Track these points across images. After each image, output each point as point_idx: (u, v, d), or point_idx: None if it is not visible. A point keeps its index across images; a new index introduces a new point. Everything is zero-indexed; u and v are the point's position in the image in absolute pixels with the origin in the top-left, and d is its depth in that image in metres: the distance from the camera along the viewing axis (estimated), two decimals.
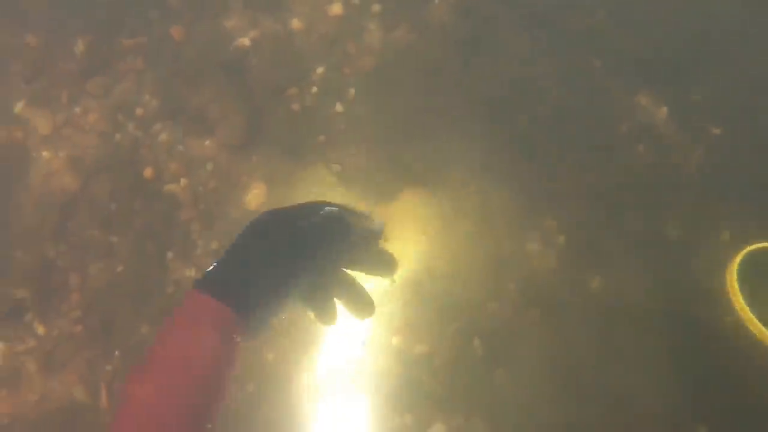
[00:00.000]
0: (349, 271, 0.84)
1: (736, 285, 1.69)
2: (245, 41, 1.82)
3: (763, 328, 1.65)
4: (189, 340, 0.80)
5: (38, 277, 1.63)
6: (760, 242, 1.74)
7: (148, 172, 1.74)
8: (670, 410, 1.63)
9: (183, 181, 1.74)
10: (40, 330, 1.60)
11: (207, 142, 1.77)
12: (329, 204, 0.85)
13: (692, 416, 1.61)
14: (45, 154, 1.75)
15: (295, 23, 1.86)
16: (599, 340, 1.68)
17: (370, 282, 0.77)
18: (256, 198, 1.71)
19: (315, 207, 0.88)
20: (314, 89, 1.80)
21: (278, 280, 0.80)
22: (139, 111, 1.78)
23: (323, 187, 1.72)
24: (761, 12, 2.05)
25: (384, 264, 0.86)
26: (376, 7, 1.89)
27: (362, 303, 0.85)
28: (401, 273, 1.70)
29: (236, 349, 0.81)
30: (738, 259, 1.72)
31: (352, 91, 1.80)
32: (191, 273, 1.65)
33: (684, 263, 1.76)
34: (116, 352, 1.58)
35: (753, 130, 1.94)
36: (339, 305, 0.79)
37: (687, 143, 1.91)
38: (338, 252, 0.83)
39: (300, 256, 0.81)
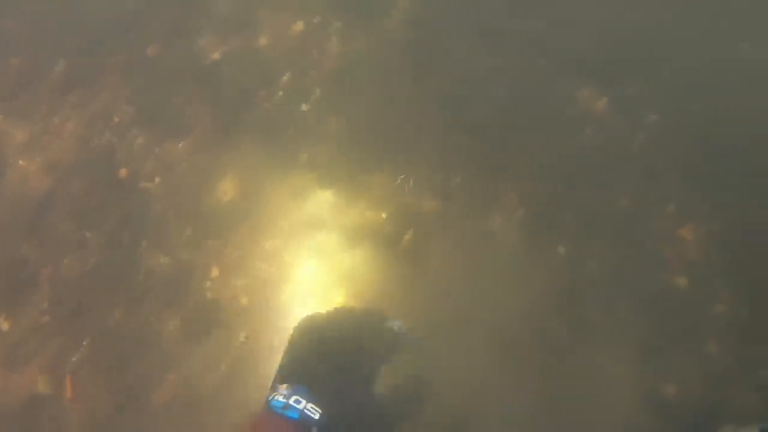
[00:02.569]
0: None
1: None
2: (216, 55, 1.98)
3: None
4: None
5: (8, 273, 1.64)
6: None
7: (123, 173, 1.81)
8: (634, 375, 1.65)
9: (157, 179, 1.81)
10: (5, 326, 1.59)
11: (181, 145, 1.87)
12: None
13: (655, 377, 1.64)
14: (21, 162, 1.82)
15: (262, 40, 2.04)
16: (564, 308, 1.73)
17: None
18: (228, 189, 1.79)
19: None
20: (281, 93, 1.95)
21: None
22: (116, 119, 1.88)
23: (292, 178, 1.81)
24: (684, 13, 2.32)
25: None
26: (337, 24, 2.09)
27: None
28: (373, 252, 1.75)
29: None
30: None
31: (318, 91, 1.95)
32: (165, 260, 1.68)
33: (635, 230, 1.86)
34: (84, 342, 1.56)
35: (686, 116, 2.12)
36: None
37: (628, 128, 2.08)
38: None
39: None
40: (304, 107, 1.93)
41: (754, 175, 1.99)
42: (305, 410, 0.94)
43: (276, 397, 0.95)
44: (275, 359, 1.59)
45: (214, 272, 1.68)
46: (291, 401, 0.90)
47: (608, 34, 2.23)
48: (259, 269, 1.69)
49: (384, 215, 1.79)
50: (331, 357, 1.07)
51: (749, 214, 1.94)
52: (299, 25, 2.07)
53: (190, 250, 1.70)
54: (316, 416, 0.90)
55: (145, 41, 1.98)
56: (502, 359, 1.66)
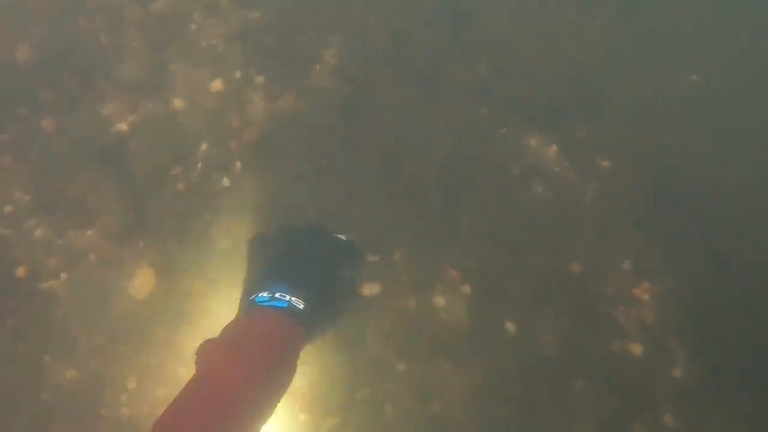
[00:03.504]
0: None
1: None
2: (123, 126, 1.78)
3: None
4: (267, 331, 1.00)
5: None
6: None
7: (21, 271, 1.61)
8: None
9: (63, 275, 1.63)
10: None
11: (89, 233, 1.68)
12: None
13: None
14: None
15: (177, 103, 1.84)
16: (517, 388, 1.63)
17: None
18: (143, 286, 1.61)
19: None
20: (199, 165, 1.76)
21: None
22: (8, 208, 1.67)
23: (211, 270, 1.65)
24: (630, 48, 2.20)
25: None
26: (259, 79, 1.90)
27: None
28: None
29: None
30: None
31: (238, 164, 1.77)
32: (72, 374, 1.51)
33: (589, 295, 1.76)
34: None
35: (637, 159, 2.02)
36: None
37: (579, 177, 1.96)
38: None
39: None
40: (225, 182, 1.75)
41: (710, 224, 1.91)
42: (291, 301, 1.01)
43: (259, 295, 1.04)
44: None
45: (131, 383, 1.52)
46: (276, 295, 0.99)
47: (552, 75, 2.09)
48: (180, 375, 1.54)
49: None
50: (297, 262, 1.20)
51: (705, 268, 1.86)
52: (217, 84, 1.88)
53: (102, 360, 1.53)
54: (302, 306, 0.99)
55: (37, 114, 1.76)
56: None
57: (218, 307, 1.60)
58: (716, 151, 2.06)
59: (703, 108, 2.13)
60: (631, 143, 2.05)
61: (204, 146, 1.78)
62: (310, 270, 1.25)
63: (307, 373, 1.56)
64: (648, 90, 2.14)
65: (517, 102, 2.04)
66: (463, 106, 1.99)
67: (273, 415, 1.08)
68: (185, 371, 1.54)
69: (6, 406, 1.46)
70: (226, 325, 1.14)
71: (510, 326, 1.70)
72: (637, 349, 1.74)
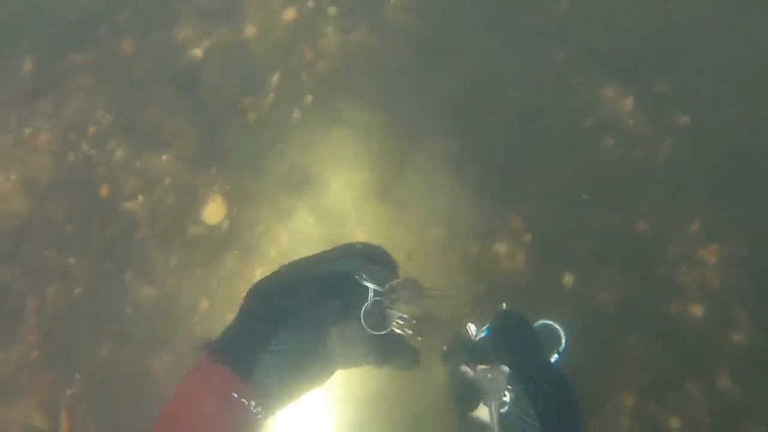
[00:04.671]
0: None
1: None
2: (198, 52, 1.79)
3: None
4: (195, 405, 0.88)
5: None
6: None
7: (104, 190, 1.70)
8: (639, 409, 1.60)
9: (140, 197, 1.70)
10: None
11: (164, 157, 1.73)
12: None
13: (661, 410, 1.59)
14: None
15: (249, 30, 1.82)
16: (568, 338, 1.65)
17: None
18: (214, 212, 1.68)
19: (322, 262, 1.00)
20: (270, 96, 1.76)
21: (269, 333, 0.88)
22: (92, 129, 1.74)
23: (281, 200, 1.69)
24: (724, 4, 2.02)
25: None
26: (331, 10, 1.85)
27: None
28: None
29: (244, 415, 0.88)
30: None
31: (309, 97, 1.76)
32: (151, 291, 1.61)
33: (652, 255, 1.73)
34: (77, 376, 1.54)
35: (720, 119, 1.90)
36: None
37: (654, 134, 1.88)
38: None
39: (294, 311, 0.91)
40: (296, 114, 1.75)
41: None
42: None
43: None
44: None
45: (204, 304, 1.62)
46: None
47: (636, 24, 1.94)
48: None
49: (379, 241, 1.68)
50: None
51: None
52: (290, 13, 1.84)
53: (177, 281, 1.63)
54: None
55: (118, 34, 1.78)
56: None
57: (285, 237, 1.66)
58: None
59: None
60: (714, 102, 1.92)
61: (276, 77, 1.77)
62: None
63: None
64: (742, 49, 1.98)
65: (596, 50, 1.93)
66: (540, 52, 1.90)
67: None
68: None
69: (96, 317, 1.59)
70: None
71: (568, 279, 1.70)
72: (697, 311, 1.71)
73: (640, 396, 1.62)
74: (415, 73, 1.80)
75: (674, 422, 1.60)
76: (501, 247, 1.70)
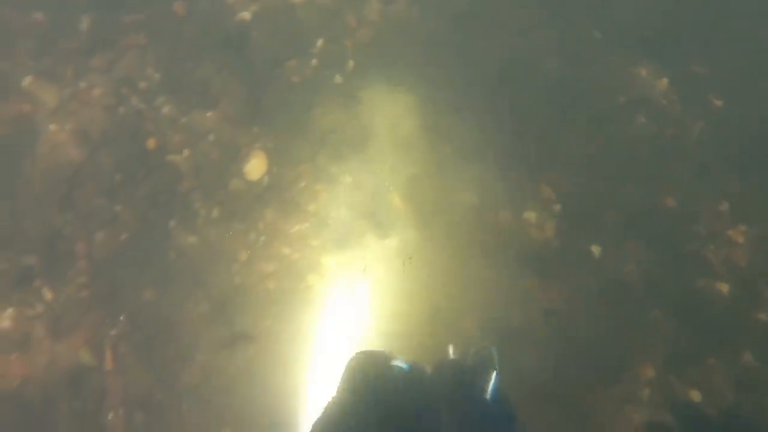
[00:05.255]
0: None
1: None
2: (246, 15, 1.85)
3: None
4: None
5: (46, 244, 1.68)
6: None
7: (151, 143, 1.77)
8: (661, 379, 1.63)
9: (186, 152, 1.78)
10: (48, 296, 1.65)
11: (209, 114, 1.81)
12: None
13: (682, 383, 1.62)
14: (52, 127, 1.80)
15: None
16: (594, 309, 1.69)
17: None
18: (256, 168, 1.74)
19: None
20: (314, 61, 1.82)
21: None
22: (142, 85, 1.81)
23: (322, 158, 1.75)
24: None
25: None
26: None
27: None
28: (404, 237, 1.71)
29: None
30: None
31: (351, 63, 1.82)
32: (193, 240, 1.69)
33: (680, 231, 1.75)
34: (121, 317, 1.62)
35: (755, 102, 1.92)
36: None
37: (687, 115, 1.90)
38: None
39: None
40: (337, 79, 1.81)
41: None
42: None
43: None
44: (299, 345, 1.64)
45: (242, 256, 1.69)
46: None
47: (675, 3, 1.96)
48: (285, 255, 1.69)
49: (414, 204, 1.73)
50: None
51: None
52: None
53: (218, 232, 1.70)
54: None
55: None
56: (523, 350, 1.65)
57: (324, 195, 1.72)
58: None
59: None
60: (750, 86, 1.94)
61: (320, 42, 1.83)
62: None
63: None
64: None
65: (632, 29, 1.96)
66: (577, 28, 1.94)
67: None
68: (290, 251, 1.69)
69: (141, 261, 1.66)
70: None
71: (595, 250, 1.74)
72: (723, 288, 1.74)
73: (660, 368, 1.65)
74: (455, 45, 1.85)
75: (695, 395, 1.63)
76: (531, 216, 1.74)
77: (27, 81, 1.83)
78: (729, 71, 1.96)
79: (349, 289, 1.65)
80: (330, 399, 0.95)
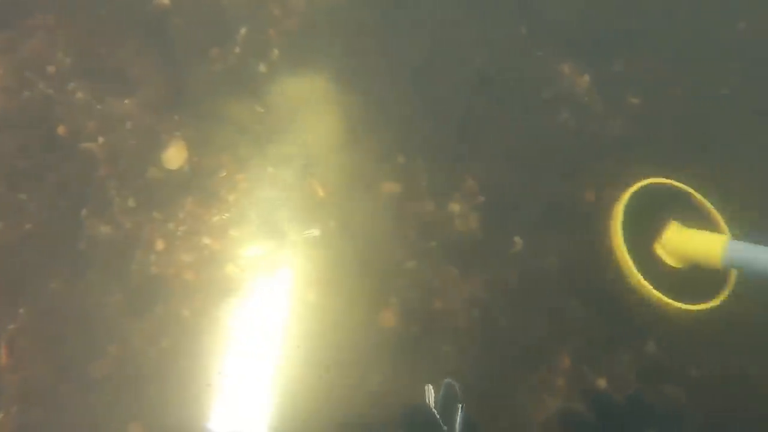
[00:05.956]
0: None
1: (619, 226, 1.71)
2: (166, 0, 1.79)
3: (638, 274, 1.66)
4: None
5: None
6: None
7: (61, 130, 1.69)
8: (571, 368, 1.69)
9: (101, 139, 1.70)
10: None
11: (126, 101, 1.74)
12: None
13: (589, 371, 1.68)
14: None
15: None
16: (514, 298, 1.73)
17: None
18: (175, 156, 1.69)
19: None
20: (237, 49, 1.79)
21: None
22: (50, 69, 1.72)
23: (243, 149, 1.71)
24: None
25: None
26: None
27: None
28: (325, 228, 1.69)
29: None
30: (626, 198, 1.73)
31: (276, 51, 1.79)
32: (107, 229, 1.62)
33: (597, 227, 1.82)
34: (21, 309, 1.54)
35: (669, 102, 2.01)
36: None
37: (607, 112, 1.98)
38: None
39: None
40: (261, 68, 1.78)
41: (730, 178, 1.92)
42: None
43: None
44: (217, 338, 1.61)
45: (159, 245, 1.63)
46: None
47: (598, 4, 2.04)
48: (205, 245, 1.65)
49: (336, 195, 1.72)
50: None
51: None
52: None
53: (134, 221, 1.64)
54: None
55: None
56: (444, 340, 1.67)
57: (245, 185, 1.69)
58: (750, 105, 2.04)
59: (745, 58, 2.09)
60: (666, 85, 2.04)
61: (243, 30, 1.80)
62: None
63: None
64: (693, 34, 2.09)
65: (557, 26, 2.02)
66: (504, 24, 1.98)
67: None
68: (210, 241, 1.65)
69: (48, 251, 1.58)
70: None
71: (518, 241, 1.78)
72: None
73: (574, 357, 1.71)
74: (381, 36, 1.85)
75: (602, 382, 1.70)
76: (455, 207, 1.77)
77: None
78: (648, 72, 2.05)
79: (267, 280, 1.63)
80: None
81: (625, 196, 1.75)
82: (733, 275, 1.69)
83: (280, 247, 1.65)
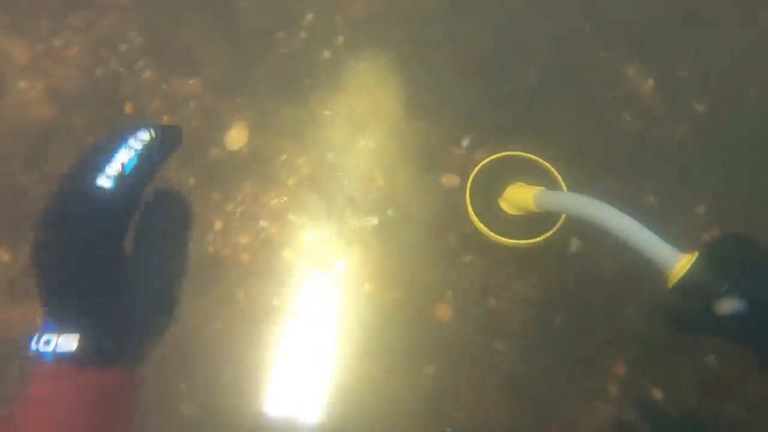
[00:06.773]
0: None
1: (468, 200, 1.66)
2: None
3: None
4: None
5: (8, 203, 1.60)
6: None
7: (128, 108, 1.71)
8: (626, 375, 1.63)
9: (165, 118, 1.72)
10: (6, 257, 1.57)
11: (191, 82, 1.75)
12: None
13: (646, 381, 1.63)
14: (22, 84, 1.72)
15: None
16: (571, 301, 1.69)
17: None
18: (237, 138, 1.70)
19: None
20: (302, 34, 1.79)
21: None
22: (122, 47, 1.75)
23: (306, 134, 1.71)
24: None
25: None
26: None
27: None
28: (384, 218, 1.68)
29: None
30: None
31: (341, 38, 1.79)
32: None
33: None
34: None
35: (735, 111, 1.95)
36: None
37: (670, 116, 1.93)
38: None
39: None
40: (326, 54, 1.78)
41: None
42: (57, 348, 0.77)
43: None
44: (271, 321, 1.60)
45: (217, 226, 1.64)
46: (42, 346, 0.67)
47: (667, 5, 2.00)
48: (262, 228, 1.65)
49: (395, 183, 1.70)
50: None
51: None
52: None
53: (194, 201, 1.64)
54: (74, 345, 0.66)
55: None
56: (499, 343, 1.64)
57: (305, 170, 1.68)
58: None
59: None
60: (733, 93, 1.98)
61: (309, 16, 1.80)
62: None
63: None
64: (761, 41, 2.03)
65: (622, 27, 1.98)
66: (568, 22, 1.95)
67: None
68: (267, 224, 1.65)
69: None
70: None
71: (575, 242, 1.74)
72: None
73: (630, 366, 1.66)
74: (446, 26, 1.84)
75: (657, 393, 1.64)
76: None
77: None
78: (715, 79, 1.99)
79: (323, 267, 1.62)
80: None
81: (484, 163, 1.70)
82: (562, 219, 1.67)
83: (337, 234, 1.64)
